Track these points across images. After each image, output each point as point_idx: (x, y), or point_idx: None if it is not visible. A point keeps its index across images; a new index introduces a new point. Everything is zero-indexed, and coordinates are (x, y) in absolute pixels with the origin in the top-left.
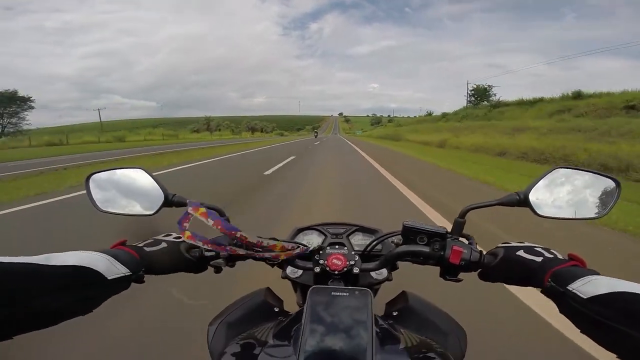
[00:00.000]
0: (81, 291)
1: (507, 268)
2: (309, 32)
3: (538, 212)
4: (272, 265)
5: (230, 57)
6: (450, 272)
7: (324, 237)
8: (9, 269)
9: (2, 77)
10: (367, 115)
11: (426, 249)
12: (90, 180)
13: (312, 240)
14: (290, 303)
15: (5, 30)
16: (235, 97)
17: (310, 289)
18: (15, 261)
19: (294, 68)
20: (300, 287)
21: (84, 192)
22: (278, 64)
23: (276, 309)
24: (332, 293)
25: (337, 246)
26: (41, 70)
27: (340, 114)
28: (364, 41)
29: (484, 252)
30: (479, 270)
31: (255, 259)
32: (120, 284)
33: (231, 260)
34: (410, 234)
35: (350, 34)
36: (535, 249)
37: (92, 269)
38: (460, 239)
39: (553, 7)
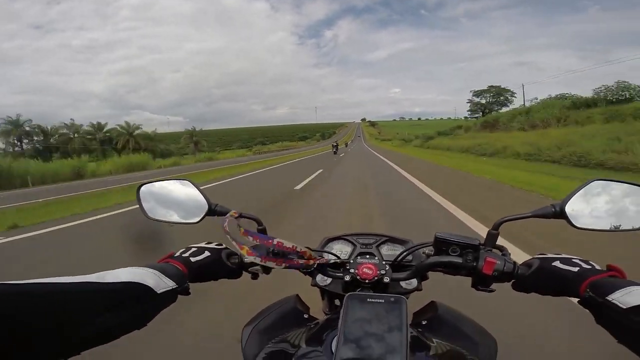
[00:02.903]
0: (135, 306)
1: (542, 278)
2: (324, 39)
3: (575, 224)
4: (305, 273)
5: (250, 70)
6: (482, 282)
7: (353, 247)
8: (70, 289)
9: (42, 95)
10: (394, 120)
11: (459, 260)
12: (141, 191)
13: (342, 249)
14: (316, 310)
15: (37, 49)
16: (260, 110)
17: (347, 295)
18: (75, 281)
19: (313, 77)
20: (327, 294)
21: None
22: (297, 74)
23: (305, 316)
24: (368, 300)
25: (367, 256)
26: (75, 88)
27: (363, 119)
28: (381, 46)
29: (518, 263)
30: (512, 280)
31: (289, 267)
32: (169, 297)
33: (267, 267)
34: (442, 245)
35: (366, 39)
36: (573, 260)
37: (143, 284)
38: (494, 250)
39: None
